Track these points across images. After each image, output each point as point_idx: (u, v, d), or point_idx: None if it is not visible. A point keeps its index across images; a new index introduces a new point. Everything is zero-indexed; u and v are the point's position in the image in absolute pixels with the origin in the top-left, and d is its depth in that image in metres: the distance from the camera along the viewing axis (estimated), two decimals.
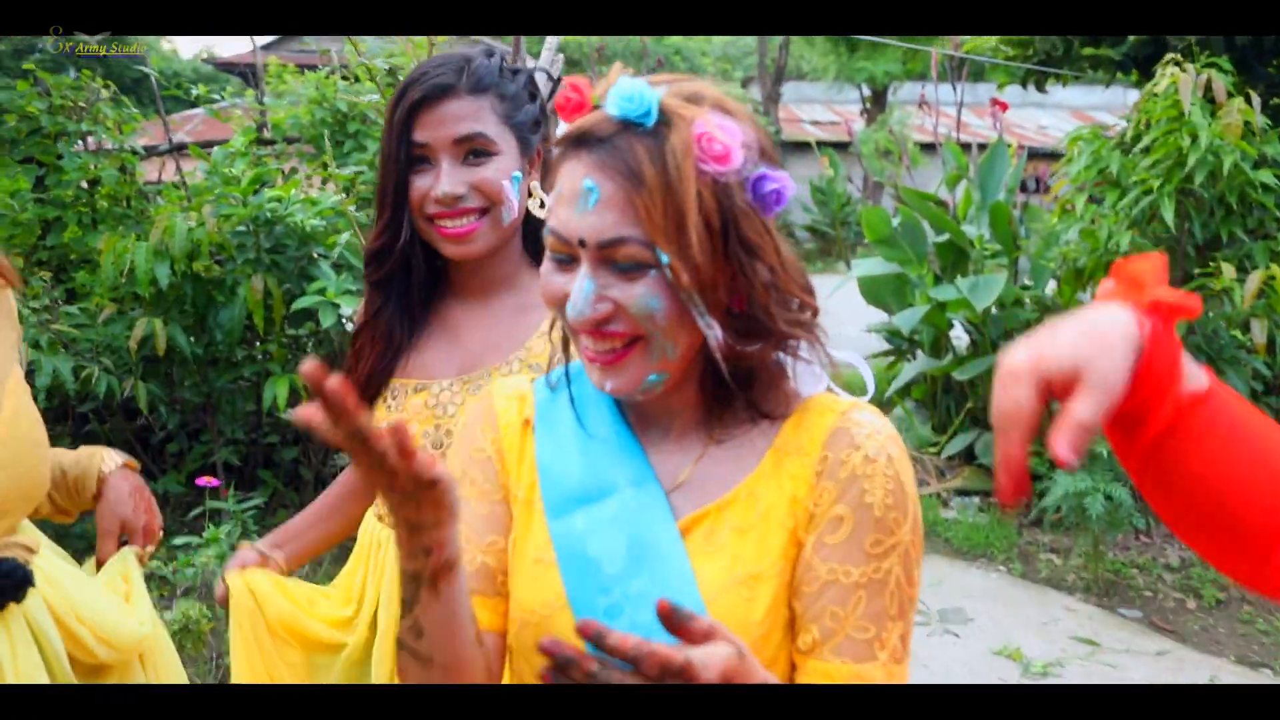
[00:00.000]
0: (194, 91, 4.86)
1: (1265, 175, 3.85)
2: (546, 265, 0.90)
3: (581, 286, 0.85)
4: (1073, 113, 14.28)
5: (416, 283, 1.38)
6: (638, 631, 0.81)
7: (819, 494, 0.88)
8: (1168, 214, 3.86)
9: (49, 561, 1.32)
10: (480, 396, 1.07)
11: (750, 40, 16.32)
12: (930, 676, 3.17)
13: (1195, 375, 0.80)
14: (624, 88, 0.83)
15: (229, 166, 3.65)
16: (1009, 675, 3.21)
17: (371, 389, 1.39)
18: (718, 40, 16.76)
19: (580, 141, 0.86)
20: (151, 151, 4.52)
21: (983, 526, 4.41)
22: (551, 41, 2.87)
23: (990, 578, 4.00)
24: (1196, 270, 4.01)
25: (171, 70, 17.13)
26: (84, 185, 4.19)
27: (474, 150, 1.30)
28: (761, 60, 14.98)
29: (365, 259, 1.40)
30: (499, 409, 1.02)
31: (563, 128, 0.89)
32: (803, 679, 0.87)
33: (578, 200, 0.85)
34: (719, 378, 0.90)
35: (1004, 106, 6.08)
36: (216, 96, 5.10)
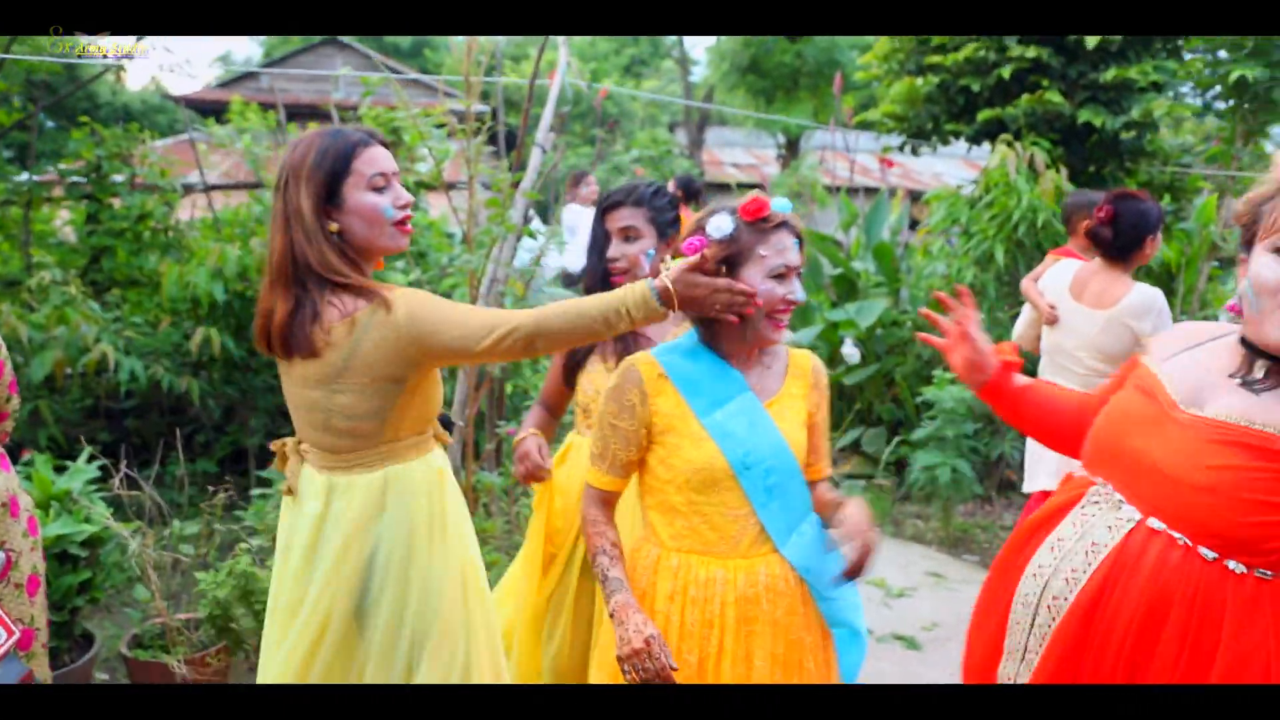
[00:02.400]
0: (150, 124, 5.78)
1: None
2: (784, 284, 1.73)
3: (800, 288, 1.75)
4: (964, 161, 15.77)
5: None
6: (761, 464, 1.71)
7: (814, 395, 1.88)
8: (1000, 255, 5.07)
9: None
10: (625, 363, 1.81)
11: (676, 87, 17.62)
12: None
13: (1020, 380, 1.84)
14: (786, 203, 1.75)
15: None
16: (875, 597, 4.31)
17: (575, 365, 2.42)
18: (647, 85, 18.01)
19: (785, 225, 1.73)
20: (190, 189, 5.41)
21: (865, 501, 5.53)
22: (545, 122, 3.92)
23: None
24: (1021, 299, 5.22)
25: (120, 102, 17.62)
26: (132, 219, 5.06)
27: (628, 235, 2.36)
28: (687, 108, 16.27)
29: (585, 288, 2.44)
30: (641, 370, 1.78)
31: (723, 221, 1.74)
32: (811, 477, 1.85)
33: (792, 250, 1.73)
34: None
35: (890, 164, 7.34)
36: (199, 129, 6.01)
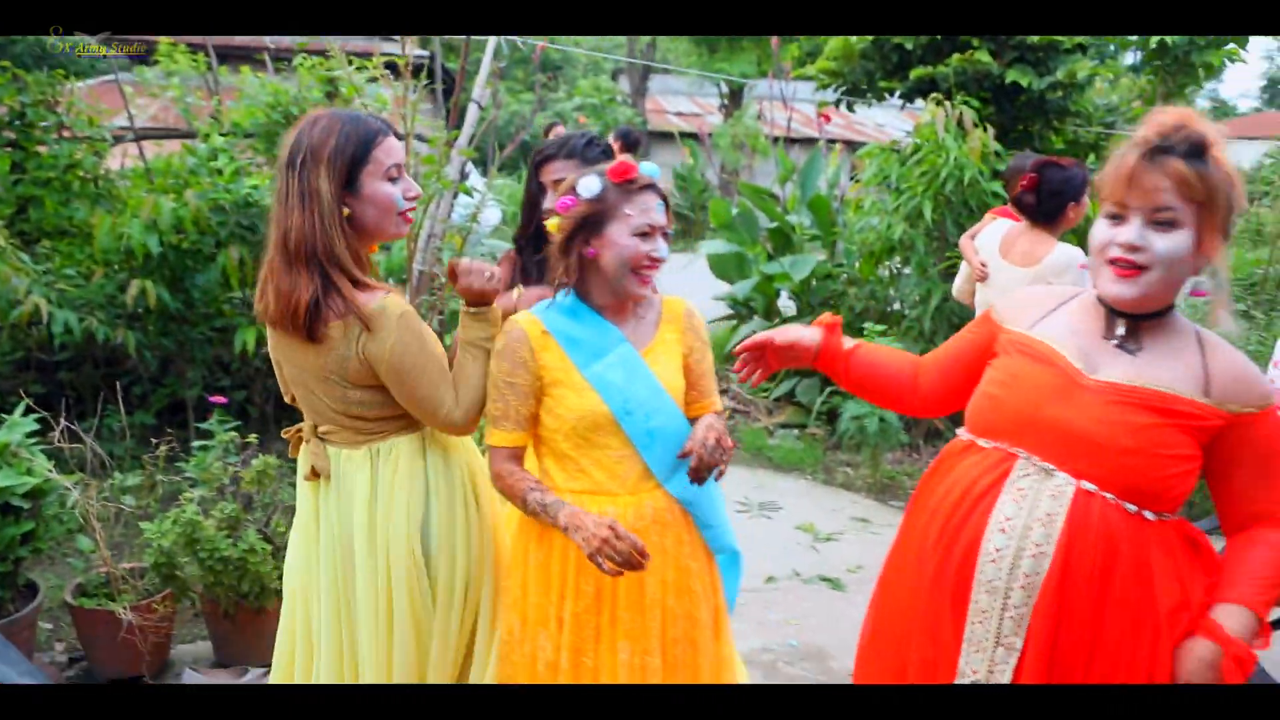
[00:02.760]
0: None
1: (996, 185, 5.26)
2: (649, 241, 1.86)
3: (664, 247, 1.88)
4: (905, 112, 15.89)
5: (527, 244, 2.52)
6: (640, 409, 1.91)
7: (689, 338, 2.01)
8: (928, 211, 5.23)
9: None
10: (509, 324, 1.93)
11: (620, 36, 17.43)
12: (747, 544, 4.41)
13: (849, 344, 1.98)
14: (654, 168, 1.89)
15: (212, 160, 4.56)
16: (804, 541, 4.51)
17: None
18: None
19: (651, 187, 1.86)
20: (120, 138, 5.31)
21: (798, 450, 5.73)
22: (481, 77, 3.94)
23: (800, 483, 5.32)
24: (948, 254, 5.40)
25: (36, 38, 16.91)
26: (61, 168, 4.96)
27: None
28: (631, 54, 16.15)
29: (517, 234, 2.51)
30: (525, 329, 1.90)
31: (592, 181, 1.86)
32: (698, 413, 1.99)
33: (656, 211, 1.86)
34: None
35: (827, 118, 7.43)
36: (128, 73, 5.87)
